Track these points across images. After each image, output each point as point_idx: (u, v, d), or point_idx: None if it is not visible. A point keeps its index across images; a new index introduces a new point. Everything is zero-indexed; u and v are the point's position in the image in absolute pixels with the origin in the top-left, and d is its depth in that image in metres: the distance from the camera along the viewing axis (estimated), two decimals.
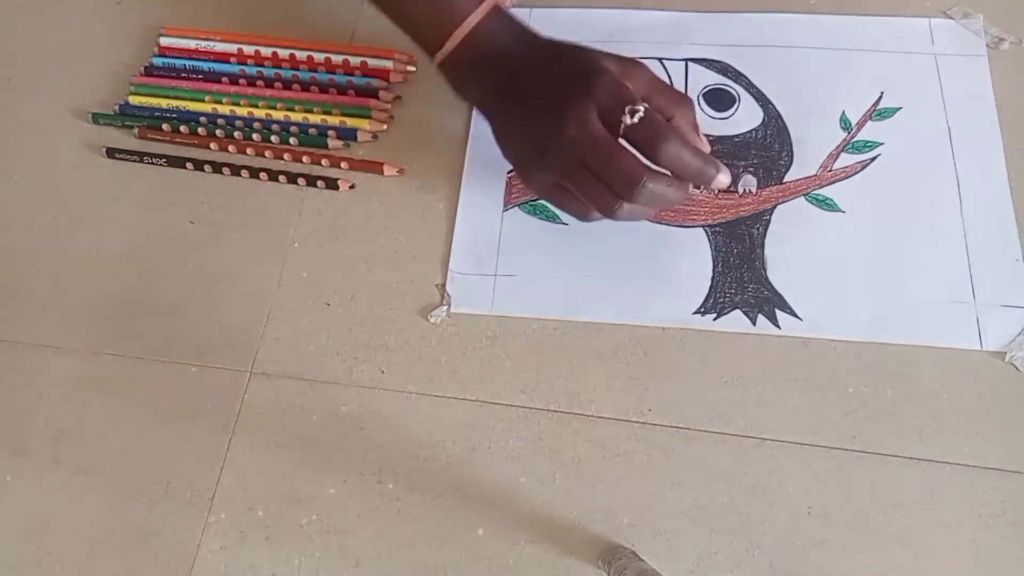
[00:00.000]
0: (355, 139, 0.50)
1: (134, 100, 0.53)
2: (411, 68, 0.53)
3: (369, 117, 0.51)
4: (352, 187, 0.49)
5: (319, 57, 0.53)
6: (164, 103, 0.53)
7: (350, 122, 0.51)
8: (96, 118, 0.53)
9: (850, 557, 0.39)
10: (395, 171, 0.49)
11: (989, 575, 0.38)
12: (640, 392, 0.43)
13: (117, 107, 0.53)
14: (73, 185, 0.52)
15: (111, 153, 0.52)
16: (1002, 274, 0.44)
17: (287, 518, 0.42)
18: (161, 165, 0.51)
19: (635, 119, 0.38)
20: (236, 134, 0.51)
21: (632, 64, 0.41)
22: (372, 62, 0.53)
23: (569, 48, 0.42)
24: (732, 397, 0.42)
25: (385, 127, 0.51)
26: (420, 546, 0.40)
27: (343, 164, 0.50)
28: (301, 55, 0.53)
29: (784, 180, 0.47)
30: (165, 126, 0.51)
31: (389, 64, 0.52)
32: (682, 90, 0.50)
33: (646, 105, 0.39)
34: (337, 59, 0.53)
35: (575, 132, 0.39)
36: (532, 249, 0.47)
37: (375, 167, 0.49)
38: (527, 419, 0.43)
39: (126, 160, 0.52)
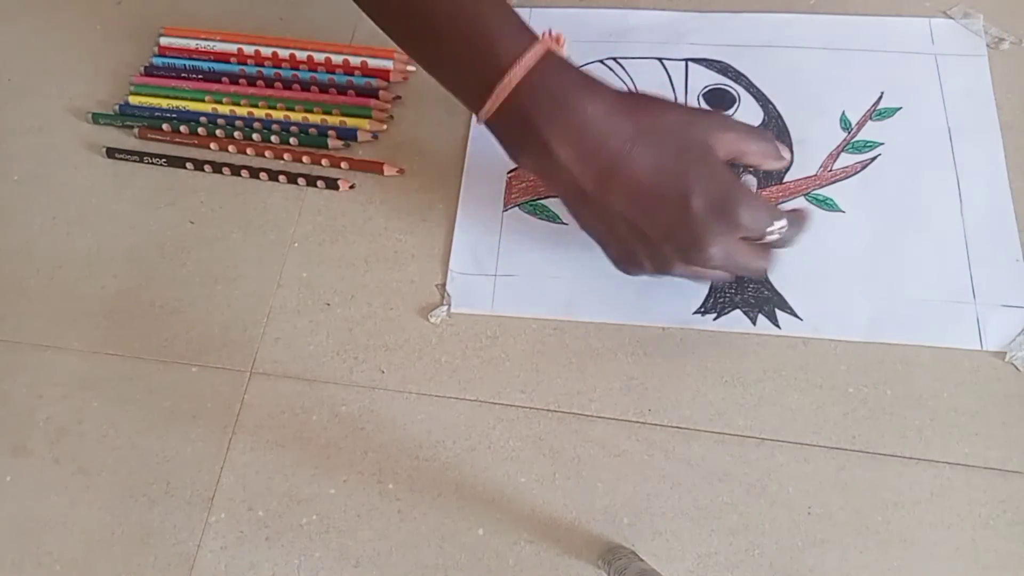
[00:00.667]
0: (355, 139, 0.50)
1: (134, 100, 0.53)
2: (411, 68, 0.53)
3: (369, 117, 0.51)
4: (352, 187, 0.49)
5: (319, 57, 0.53)
6: (164, 103, 0.53)
7: (350, 122, 0.51)
8: (96, 118, 0.53)
9: (850, 557, 0.39)
10: (395, 171, 0.49)
11: (989, 575, 0.38)
12: (640, 392, 0.43)
13: (117, 107, 0.53)
14: (73, 185, 0.52)
15: (111, 153, 0.52)
16: (1002, 274, 0.44)
17: (287, 518, 0.42)
18: (161, 165, 0.51)
19: (781, 234, 0.39)
20: (236, 134, 0.51)
21: (721, 125, 0.39)
22: (372, 62, 0.53)
23: (675, 139, 0.37)
24: (732, 397, 0.42)
25: (385, 127, 0.51)
26: (420, 546, 0.40)
27: (343, 164, 0.50)
28: (301, 55, 0.53)
29: (784, 180, 0.47)
30: (165, 126, 0.51)
31: (389, 64, 0.52)
32: (682, 90, 0.50)
33: (784, 222, 0.38)
34: (337, 59, 0.53)
35: (719, 261, 0.38)
36: (532, 249, 0.47)
37: (375, 167, 0.49)
38: (527, 419, 0.43)
39: (126, 160, 0.52)
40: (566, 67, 0.38)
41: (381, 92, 0.52)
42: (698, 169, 0.37)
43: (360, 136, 0.50)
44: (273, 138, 0.51)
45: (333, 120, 0.51)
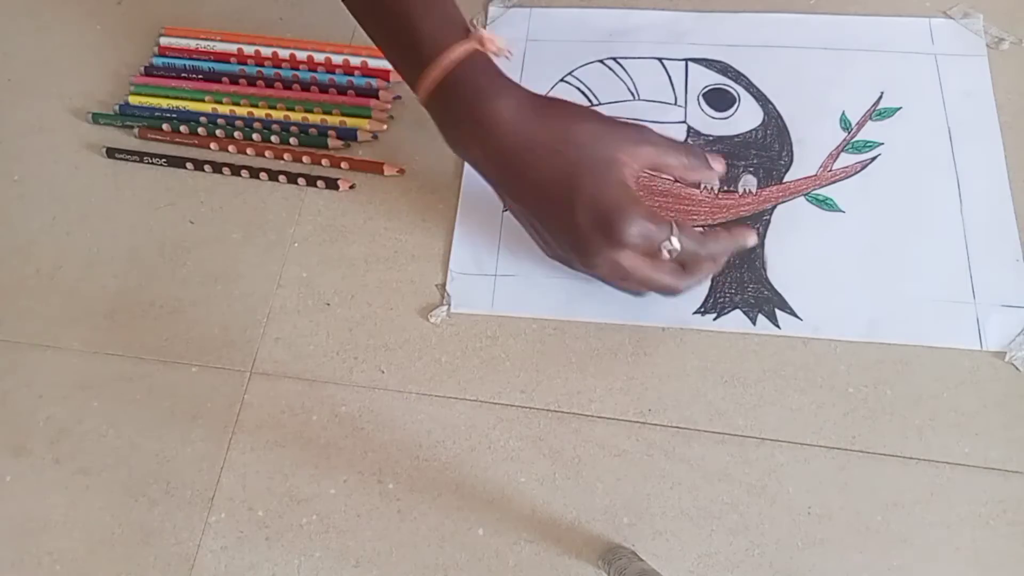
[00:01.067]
0: (355, 139, 0.50)
1: (134, 100, 0.53)
2: None
3: (369, 117, 0.51)
4: (352, 187, 0.49)
5: (319, 57, 0.53)
6: (164, 103, 0.53)
7: (350, 122, 0.51)
8: (96, 118, 0.53)
9: (850, 557, 0.39)
10: (395, 171, 0.49)
11: (989, 575, 0.38)
12: (640, 392, 0.43)
13: (117, 107, 0.53)
14: (73, 185, 0.52)
15: (111, 153, 0.52)
16: (1002, 274, 0.44)
17: (287, 518, 0.42)
18: (161, 165, 0.51)
19: (673, 255, 0.39)
20: (236, 134, 0.51)
21: (636, 139, 0.40)
22: (372, 62, 0.53)
23: (577, 137, 0.39)
24: (732, 397, 0.42)
25: (385, 127, 0.51)
26: (420, 546, 0.40)
27: (343, 164, 0.50)
28: (301, 55, 0.53)
29: (784, 180, 0.47)
30: (165, 126, 0.51)
31: (389, 64, 0.52)
32: (682, 90, 0.50)
33: (677, 242, 0.39)
34: (337, 59, 0.53)
35: (608, 272, 0.40)
36: (532, 249, 0.46)
37: (375, 167, 0.49)
38: (527, 419, 0.43)
39: (126, 160, 0.52)
40: (487, 68, 0.40)
41: (381, 92, 0.52)
42: (591, 181, 0.38)
43: (360, 136, 0.50)
44: (273, 138, 0.51)
45: (333, 120, 0.51)
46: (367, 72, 0.53)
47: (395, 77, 0.52)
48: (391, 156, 0.50)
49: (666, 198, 0.47)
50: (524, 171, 0.39)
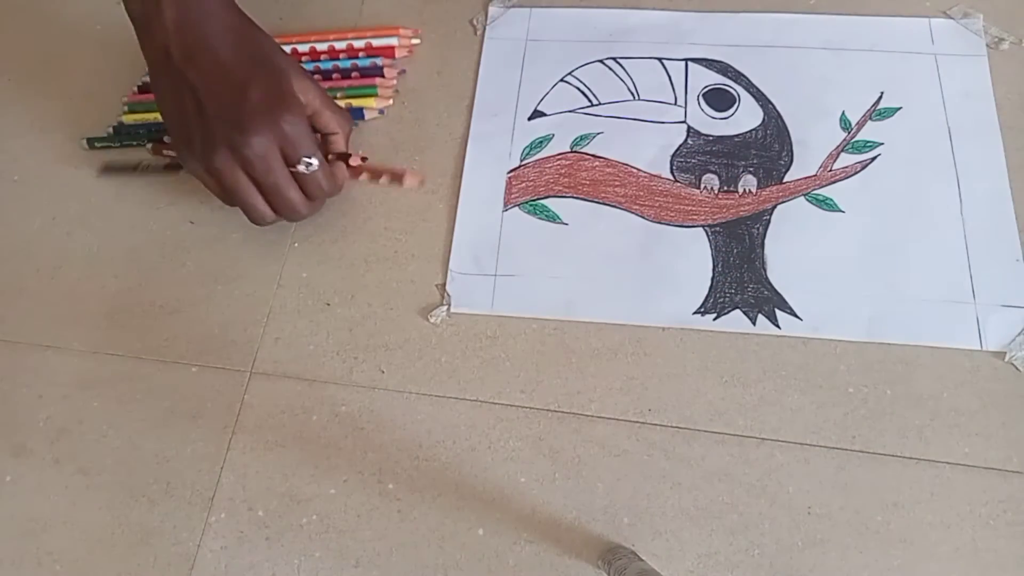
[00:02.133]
0: (363, 118, 0.50)
1: (128, 119, 0.52)
2: (416, 40, 0.53)
3: (375, 95, 0.51)
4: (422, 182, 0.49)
5: (322, 47, 0.53)
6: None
7: (355, 102, 0.50)
8: (91, 143, 0.52)
9: (850, 557, 0.39)
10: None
11: (989, 575, 0.38)
12: (640, 392, 0.43)
13: (111, 128, 0.53)
14: (73, 185, 0.52)
15: (107, 170, 0.51)
16: (1002, 274, 0.44)
17: (287, 518, 0.42)
18: (158, 173, 0.51)
19: (308, 171, 0.43)
20: None
21: (309, 81, 0.44)
22: (376, 42, 0.52)
23: (265, 54, 0.43)
24: (732, 397, 0.42)
25: (391, 101, 0.51)
26: (420, 546, 0.40)
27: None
28: (303, 48, 0.53)
29: (784, 180, 0.47)
30: (167, 138, 0.51)
31: (394, 41, 0.52)
32: (682, 90, 0.50)
33: (317, 161, 0.43)
34: (340, 45, 0.52)
35: (257, 153, 0.42)
36: (532, 249, 0.47)
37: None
38: (527, 419, 0.43)
39: (121, 175, 0.51)
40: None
41: (386, 68, 0.51)
42: (270, 77, 0.43)
43: (367, 114, 0.50)
44: None
45: (340, 103, 0.50)
46: (371, 52, 0.52)
47: (400, 52, 0.52)
48: (391, 156, 0.50)
49: (666, 198, 0.47)
50: (219, 49, 0.42)
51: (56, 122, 0.54)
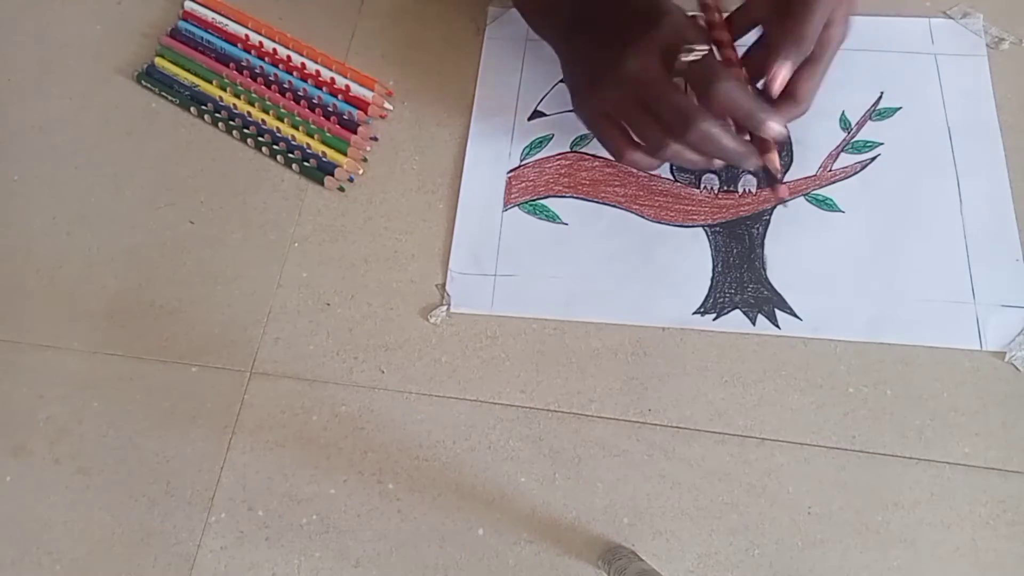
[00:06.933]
0: (332, 174, 0.49)
1: (159, 63, 0.54)
2: (388, 107, 0.52)
3: (346, 154, 0.50)
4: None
5: (311, 67, 0.53)
6: (183, 74, 0.53)
7: (330, 154, 0.50)
8: (140, 78, 0.54)
9: (850, 557, 0.39)
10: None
11: (989, 575, 0.38)
12: (640, 392, 0.43)
13: (144, 67, 0.54)
14: (73, 185, 0.52)
15: (141, 78, 0.53)
16: (1002, 274, 0.44)
17: (287, 518, 0.42)
18: (185, 97, 0.52)
19: (691, 58, 0.39)
20: (234, 133, 0.51)
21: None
22: (355, 88, 0.52)
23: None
24: (732, 397, 0.42)
25: (361, 171, 0.50)
26: (420, 546, 0.40)
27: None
28: (296, 59, 0.53)
29: (784, 180, 0.47)
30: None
31: (369, 95, 0.51)
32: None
33: (706, 48, 0.39)
34: (326, 74, 0.52)
35: (634, 67, 0.39)
36: (532, 249, 0.47)
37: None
38: (527, 419, 0.43)
39: (150, 90, 0.53)
40: None
41: (360, 129, 0.51)
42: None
43: (337, 174, 0.49)
44: (264, 149, 0.51)
45: (316, 145, 0.50)
46: (348, 99, 0.52)
47: (373, 112, 0.51)
48: (391, 155, 0.50)
49: (666, 198, 0.47)
50: (586, 12, 0.43)
51: (56, 122, 0.54)
